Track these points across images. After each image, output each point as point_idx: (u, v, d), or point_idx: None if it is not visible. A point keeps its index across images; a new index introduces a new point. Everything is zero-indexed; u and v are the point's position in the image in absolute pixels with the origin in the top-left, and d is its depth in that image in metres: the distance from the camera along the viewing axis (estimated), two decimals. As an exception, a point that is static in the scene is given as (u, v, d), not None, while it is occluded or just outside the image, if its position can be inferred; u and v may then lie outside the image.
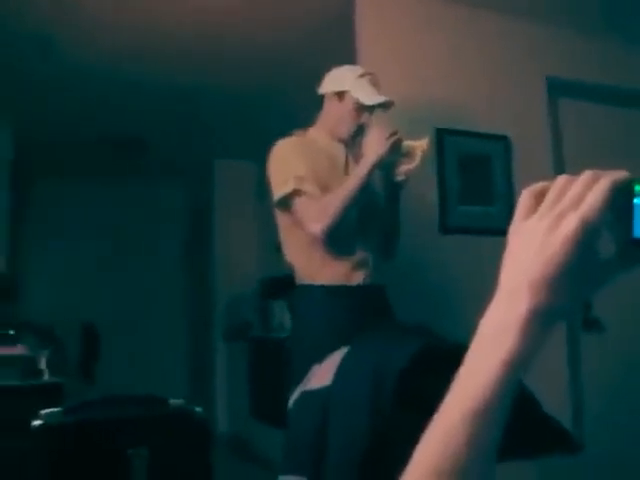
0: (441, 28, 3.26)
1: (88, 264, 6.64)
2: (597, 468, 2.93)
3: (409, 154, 2.13)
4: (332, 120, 2.28)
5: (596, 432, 3.14)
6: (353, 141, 2.29)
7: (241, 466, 4.86)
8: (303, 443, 1.72)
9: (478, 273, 2.70)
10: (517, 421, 0.62)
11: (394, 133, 2.08)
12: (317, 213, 2.05)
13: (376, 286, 2.22)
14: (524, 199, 0.55)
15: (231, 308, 5.99)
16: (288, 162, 2.15)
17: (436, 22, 3.26)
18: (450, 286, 3.00)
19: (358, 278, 2.16)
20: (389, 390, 1.47)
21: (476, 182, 3.21)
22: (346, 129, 2.25)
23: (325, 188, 2.11)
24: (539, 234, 0.51)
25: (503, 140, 3.28)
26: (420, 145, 2.11)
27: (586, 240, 0.49)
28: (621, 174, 0.51)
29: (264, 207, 4.47)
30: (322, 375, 1.75)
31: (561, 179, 0.53)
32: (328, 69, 2.32)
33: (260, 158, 2.38)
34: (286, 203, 2.15)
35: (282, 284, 3.52)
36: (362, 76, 2.23)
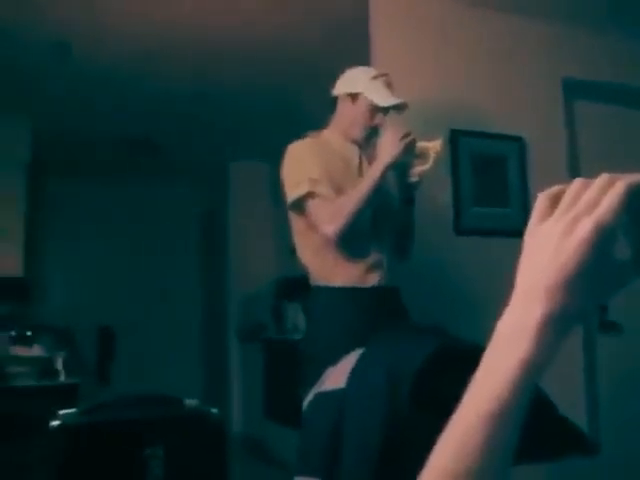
0: (456, 29, 3.25)
1: (104, 265, 6.69)
2: (612, 471, 2.91)
3: (423, 155, 2.12)
4: (346, 122, 2.27)
5: (612, 434, 3.11)
6: (367, 142, 2.28)
7: (256, 467, 4.87)
8: (317, 445, 1.72)
9: (493, 274, 2.69)
10: (533, 423, 0.62)
11: (407, 134, 2.07)
12: (331, 215, 2.05)
13: (391, 287, 2.21)
14: (540, 203, 0.55)
15: (246, 309, 6.00)
16: (302, 164, 2.15)
17: (450, 23, 3.25)
18: (465, 287, 2.99)
19: (373, 280, 2.16)
20: (405, 391, 1.47)
21: (491, 183, 3.19)
22: (360, 131, 2.25)
23: (339, 190, 2.11)
24: (554, 238, 0.51)
25: (518, 141, 3.26)
26: (434, 146, 2.11)
27: (601, 244, 0.49)
28: (637, 177, 0.51)
29: (279, 208, 4.48)
30: (336, 377, 1.75)
31: (577, 183, 0.53)
32: (342, 71, 2.32)
33: (274, 159, 2.39)
34: (300, 205, 2.15)
35: (297, 286, 3.53)
36: (376, 78, 2.23)
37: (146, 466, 1.49)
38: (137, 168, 6.46)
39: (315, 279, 2.21)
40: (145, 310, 6.69)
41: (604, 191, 0.51)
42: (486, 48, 3.30)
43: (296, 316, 4.78)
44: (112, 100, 4.60)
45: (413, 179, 2.17)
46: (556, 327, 0.51)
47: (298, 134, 2.27)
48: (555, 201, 0.54)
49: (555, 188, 0.55)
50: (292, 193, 2.14)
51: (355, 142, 2.28)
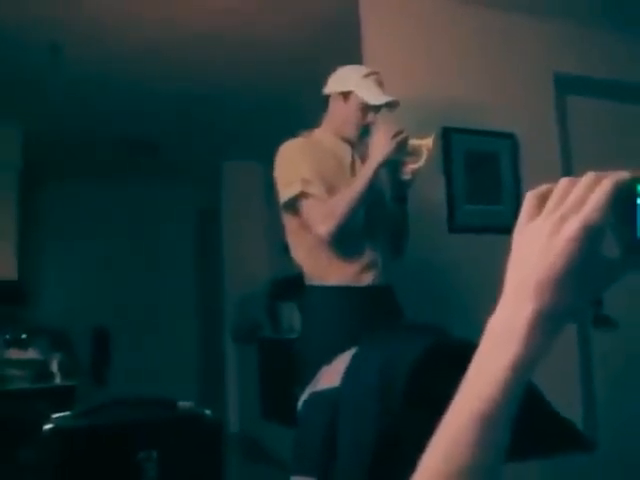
0: (447, 26, 3.25)
1: (98, 267, 6.67)
2: (609, 467, 2.92)
3: (415, 153, 2.12)
4: (338, 121, 2.27)
5: (608, 431, 3.12)
6: (359, 141, 2.28)
7: (253, 467, 4.87)
8: (312, 444, 1.72)
9: (486, 271, 2.68)
10: (527, 420, 0.62)
11: (399, 132, 2.07)
12: (324, 215, 2.05)
13: (385, 286, 2.22)
14: (527, 202, 0.56)
15: (241, 309, 6.00)
16: (294, 164, 2.15)
17: (442, 20, 3.25)
18: (458, 285, 2.99)
19: (367, 279, 2.16)
20: (398, 389, 1.47)
21: (483, 180, 3.20)
22: (352, 129, 2.25)
23: (331, 189, 2.11)
24: (542, 237, 0.51)
25: (510, 138, 3.26)
26: (426, 143, 2.11)
27: (589, 242, 0.50)
28: (623, 175, 0.51)
29: (272, 208, 4.48)
30: (331, 376, 1.75)
31: (563, 181, 0.54)
32: (334, 69, 2.31)
33: (267, 159, 2.39)
34: (293, 205, 2.15)
35: (292, 285, 3.53)
36: (367, 76, 2.22)
37: (140, 469, 1.49)
38: (132, 169, 6.45)
39: (309, 278, 2.21)
40: (141, 311, 6.68)
41: (591, 189, 0.51)
42: (477, 45, 3.30)
43: (291, 315, 4.78)
44: (107, 101, 4.59)
45: (406, 177, 2.17)
46: (546, 326, 0.51)
47: (292, 134, 2.27)
48: (543, 200, 0.55)
49: (543, 187, 0.56)
50: (285, 193, 2.14)
51: (347, 141, 2.28)
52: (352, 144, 2.28)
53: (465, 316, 2.57)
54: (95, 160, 6.08)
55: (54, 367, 3.71)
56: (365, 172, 2.07)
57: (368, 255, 2.18)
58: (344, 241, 2.11)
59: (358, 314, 2.10)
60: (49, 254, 6.50)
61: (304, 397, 1.87)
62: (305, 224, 2.14)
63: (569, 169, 3.40)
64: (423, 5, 3.22)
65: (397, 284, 2.27)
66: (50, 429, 1.45)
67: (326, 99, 2.31)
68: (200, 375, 7.05)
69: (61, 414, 1.52)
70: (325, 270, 2.15)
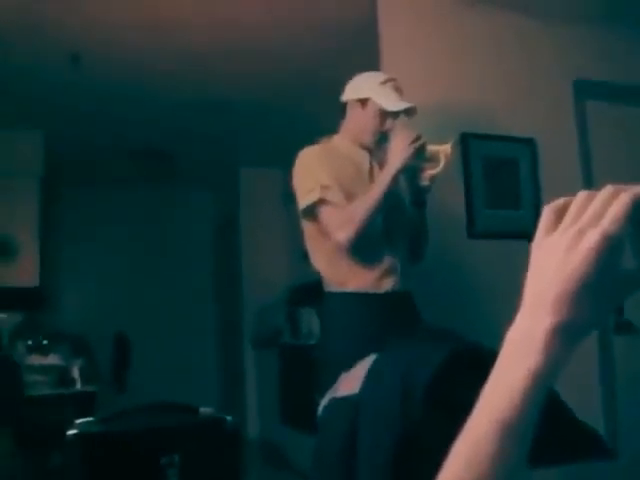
0: (465, 32, 3.25)
1: (119, 274, 6.72)
2: (630, 475, 2.88)
3: (433, 159, 2.12)
4: (356, 127, 2.27)
5: (629, 438, 3.08)
6: (378, 148, 2.28)
7: (271, 472, 4.87)
8: (332, 449, 1.72)
9: (506, 277, 2.68)
10: (548, 428, 0.62)
11: (417, 138, 2.07)
12: (342, 222, 2.05)
13: (404, 292, 2.21)
14: (545, 215, 0.56)
15: (260, 316, 6.01)
16: (313, 170, 2.15)
17: (460, 26, 3.25)
18: (478, 290, 2.98)
19: (387, 285, 2.15)
20: (419, 396, 1.47)
21: (503, 186, 3.19)
22: (370, 136, 2.25)
23: (350, 195, 2.11)
24: (561, 250, 0.52)
25: (530, 143, 3.25)
26: (444, 149, 2.10)
27: (607, 255, 0.50)
28: None
29: (291, 214, 4.49)
30: (351, 382, 1.75)
31: (581, 195, 0.54)
32: (353, 76, 2.32)
33: (285, 165, 2.39)
34: (312, 212, 2.15)
35: (311, 291, 3.54)
36: (384, 82, 2.23)
37: (163, 474, 1.50)
38: (150, 176, 6.50)
39: (328, 285, 2.21)
40: (161, 318, 6.71)
41: (609, 203, 0.51)
42: (496, 50, 3.29)
43: (310, 321, 4.79)
44: (125, 110, 4.64)
45: (424, 183, 2.17)
46: (564, 338, 0.51)
47: (309, 140, 2.28)
48: (561, 213, 0.55)
49: (560, 200, 0.56)
50: (303, 200, 2.14)
51: (365, 147, 2.28)
52: (370, 151, 2.28)
53: (484, 321, 2.56)
54: (113, 167, 6.13)
55: (75, 373, 3.74)
56: (383, 178, 2.07)
57: (387, 261, 2.17)
58: (363, 247, 2.11)
59: (377, 320, 2.10)
60: (70, 260, 6.56)
61: (324, 403, 1.88)
62: (324, 231, 2.14)
63: (589, 174, 3.38)
64: (441, 11, 3.22)
65: (416, 290, 2.26)
66: (74, 434, 1.47)
67: (344, 106, 2.32)
68: (220, 381, 7.07)
69: (84, 420, 1.53)
70: (344, 276, 2.16)
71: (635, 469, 2.89)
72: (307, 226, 2.22)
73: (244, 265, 6.30)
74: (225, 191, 6.90)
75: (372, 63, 2.82)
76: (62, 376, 3.70)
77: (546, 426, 0.56)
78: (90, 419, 1.55)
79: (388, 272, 2.16)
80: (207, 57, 3.86)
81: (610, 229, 0.50)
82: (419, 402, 1.45)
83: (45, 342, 4.01)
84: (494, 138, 3.19)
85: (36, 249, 4.92)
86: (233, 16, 3.39)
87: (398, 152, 2.06)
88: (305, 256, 2.30)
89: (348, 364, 1.90)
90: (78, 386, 3.66)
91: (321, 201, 2.10)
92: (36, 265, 4.90)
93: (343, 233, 2.05)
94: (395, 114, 2.22)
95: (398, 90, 2.24)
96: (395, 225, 2.22)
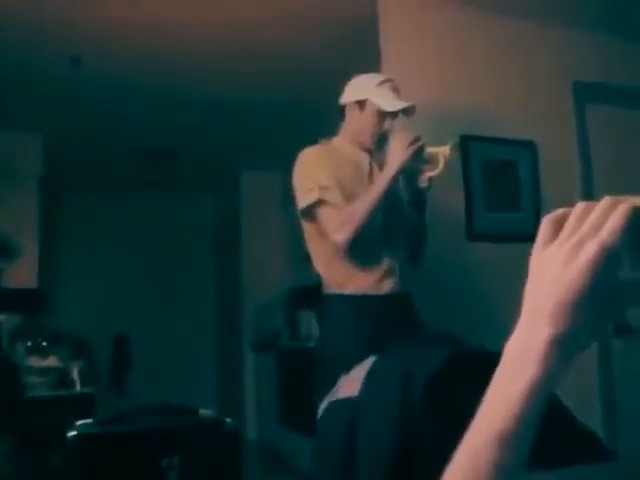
0: (466, 34, 3.26)
1: (119, 275, 6.73)
2: (630, 477, 2.88)
3: (432, 160, 2.13)
4: (355, 129, 2.28)
5: (629, 440, 3.08)
6: (377, 149, 2.28)
7: (271, 475, 4.87)
8: (331, 452, 1.72)
9: (505, 279, 2.68)
10: (547, 430, 0.62)
11: (416, 140, 2.08)
12: (340, 223, 2.06)
13: (404, 294, 2.21)
14: (543, 227, 0.56)
15: (259, 318, 6.01)
16: (312, 171, 2.16)
17: (461, 28, 3.25)
18: (477, 292, 2.98)
19: (386, 287, 2.16)
20: (418, 398, 1.47)
21: (502, 188, 3.19)
22: (369, 137, 2.26)
23: (350, 196, 2.11)
24: (559, 261, 0.52)
25: (529, 145, 3.26)
26: (442, 151, 2.11)
27: (605, 266, 0.50)
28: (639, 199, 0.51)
29: (291, 217, 4.49)
30: (350, 385, 1.75)
31: (579, 206, 0.54)
32: (350, 79, 2.33)
33: (286, 169, 2.40)
34: (311, 213, 2.15)
35: (310, 293, 3.54)
36: (382, 83, 2.23)
37: (163, 476, 1.50)
38: (150, 178, 6.50)
39: (328, 287, 2.21)
40: (160, 319, 6.72)
41: (607, 214, 0.51)
42: (496, 53, 3.30)
43: (310, 324, 4.79)
44: (126, 111, 4.63)
45: (423, 184, 2.17)
46: (562, 349, 0.52)
47: (310, 143, 2.28)
48: (559, 225, 0.55)
49: (559, 211, 0.56)
50: (302, 201, 2.15)
51: (365, 149, 2.28)
52: (370, 152, 2.29)
53: (484, 324, 2.56)
54: (115, 169, 6.13)
55: (74, 374, 3.73)
56: (382, 180, 2.08)
57: (386, 263, 2.18)
58: (362, 249, 2.11)
59: (376, 322, 2.10)
60: (69, 262, 6.56)
61: (324, 405, 1.88)
62: (323, 231, 2.15)
63: (588, 176, 3.38)
64: (442, 14, 3.22)
65: (416, 292, 2.27)
66: (74, 436, 1.47)
67: (342, 108, 2.32)
68: (219, 383, 7.07)
69: (84, 421, 1.54)
70: (343, 278, 2.16)
71: (634, 471, 2.89)
72: (307, 227, 2.22)
73: (244, 267, 6.30)
74: (226, 194, 6.90)
75: (373, 66, 2.82)
76: (61, 378, 3.69)
77: (545, 428, 0.56)
78: (90, 421, 1.55)
79: (387, 274, 2.16)
80: (209, 60, 3.86)
81: (608, 241, 0.50)
82: (419, 404, 1.45)
83: (44, 344, 4.01)
84: (494, 140, 3.19)
85: (35, 250, 4.92)
86: (236, 19, 3.39)
87: (397, 153, 2.07)
88: (308, 259, 2.30)
89: (347, 366, 1.90)
90: (78, 388, 3.65)
91: (320, 202, 2.10)
92: (35, 266, 4.89)
93: (341, 234, 2.05)
94: (393, 114, 2.23)
95: (396, 90, 2.25)
96: (394, 227, 2.22)
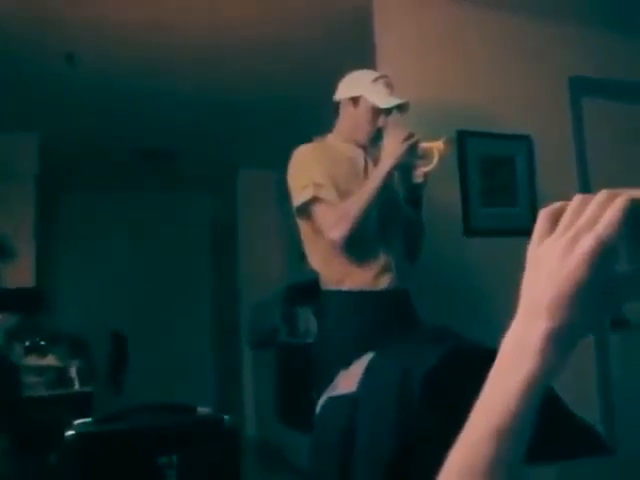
0: (462, 30, 3.25)
1: (115, 274, 6.72)
2: (628, 471, 2.89)
3: (426, 156, 2.12)
4: (349, 126, 2.28)
5: (628, 434, 3.09)
6: (372, 145, 2.28)
7: (268, 471, 4.87)
8: (330, 447, 1.72)
9: (502, 274, 2.68)
10: (544, 424, 0.62)
11: (410, 135, 2.07)
12: (335, 220, 2.05)
13: (401, 290, 2.21)
14: (540, 220, 0.56)
15: (257, 315, 6.01)
16: (307, 169, 2.16)
17: (456, 24, 3.25)
18: (474, 287, 2.98)
19: (383, 283, 2.16)
20: (416, 393, 1.47)
21: (499, 183, 3.19)
22: (363, 134, 2.25)
23: (345, 193, 2.11)
24: (556, 255, 0.52)
25: (525, 140, 3.26)
26: (437, 146, 2.11)
27: (602, 260, 0.50)
28: (637, 192, 0.51)
29: (289, 214, 4.49)
30: (348, 381, 1.75)
31: (576, 199, 0.54)
32: (344, 75, 2.32)
33: (283, 167, 2.39)
34: (306, 210, 2.15)
35: (308, 290, 3.54)
36: (376, 80, 2.23)
37: (161, 474, 1.50)
38: (148, 177, 6.48)
39: (325, 283, 2.21)
40: (158, 318, 6.72)
41: (604, 207, 0.51)
42: (492, 48, 3.30)
43: (308, 320, 4.79)
44: (122, 110, 4.62)
45: (418, 180, 2.17)
46: (559, 343, 0.51)
47: (306, 141, 2.28)
48: (556, 218, 0.55)
49: (556, 205, 0.56)
50: (298, 198, 2.15)
51: (360, 145, 2.28)
52: (365, 148, 2.29)
53: (481, 319, 2.56)
54: (111, 168, 6.12)
55: (72, 373, 3.73)
56: (376, 176, 2.08)
57: (383, 259, 2.18)
58: (358, 245, 2.11)
59: (374, 318, 2.10)
60: (66, 261, 6.56)
61: (321, 402, 1.88)
62: (318, 229, 2.14)
63: (584, 171, 3.38)
64: (437, 8, 3.22)
65: (413, 288, 2.27)
66: (72, 435, 1.47)
67: (337, 105, 2.32)
68: (217, 380, 7.08)
69: (82, 420, 1.53)
70: (340, 275, 2.16)
71: (632, 465, 2.89)
72: (302, 225, 2.22)
73: (241, 265, 6.30)
74: (223, 192, 6.90)
75: (368, 62, 2.81)
76: (59, 377, 3.69)
77: (543, 423, 0.56)
78: (88, 420, 1.55)
79: (384, 270, 2.16)
80: (207, 58, 3.85)
81: (605, 234, 0.50)
82: (417, 399, 1.45)
83: (42, 343, 4.00)
84: (490, 135, 3.20)
85: (33, 249, 4.91)
86: (233, 17, 3.38)
87: (391, 149, 2.07)
88: (303, 257, 2.30)
89: (346, 362, 1.90)
90: (76, 387, 3.65)
91: (315, 199, 2.10)
92: (33, 266, 4.89)
93: (336, 231, 2.05)
94: (388, 111, 2.23)
95: (390, 87, 2.25)
96: (390, 223, 2.22)
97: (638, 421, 3.15)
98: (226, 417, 1.72)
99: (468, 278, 2.99)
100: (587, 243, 0.50)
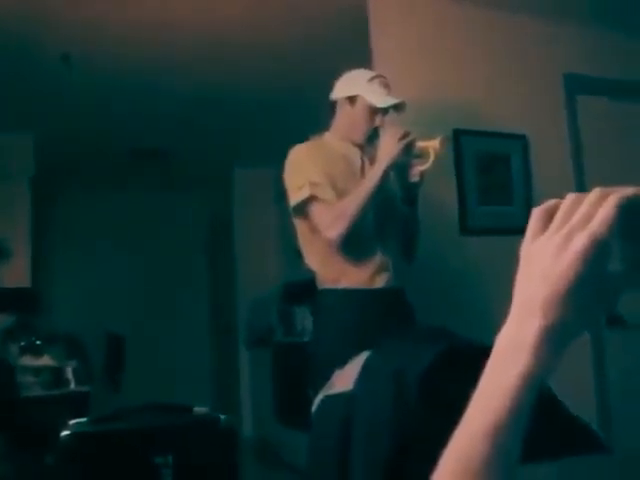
0: (457, 28, 3.26)
1: (111, 274, 6.71)
2: (625, 469, 2.89)
3: (422, 154, 2.13)
4: (345, 125, 2.28)
5: (624, 431, 3.10)
6: (369, 144, 2.28)
7: (266, 470, 4.87)
8: (326, 446, 1.72)
9: (498, 273, 2.68)
10: (541, 422, 0.62)
11: (406, 134, 2.08)
12: (332, 219, 2.06)
13: (397, 289, 2.21)
14: (534, 218, 0.56)
15: (253, 314, 6.01)
16: (303, 168, 2.16)
17: (452, 22, 3.25)
18: (470, 286, 2.98)
19: (379, 281, 2.16)
20: (413, 392, 1.47)
21: (495, 181, 3.20)
22: (360, 133, 2.25)
23: (342, 192, 2.11)
24: (549, 253, 0.52)
25: (521, 139, 3.26)
26: (433, 145, 2.11)
27: (595, 257, 0.50)
28: (629, 190, 0.51)
29: (285, 213, 4.49)
30: (344, 379, 1.75)
31: (569, 198, 0.54)
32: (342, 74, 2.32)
33: (279, 165, 2.39)
34: (302, 209, 2.15)
35: (304, 289, 3.54)
36: (372, 79, 2.23)
37: (157, 474, 1.50)
38: (144, 176, 6.48)
39: (322, 282, 2.21)
40: (154, 317, 6.71)
41: (597, 205, 0.51)
42: (487, 46, 3.30)
43: (304, 319, 4.79)
44: (118, 109, 4.62)
45: (414, 179, 2.17)
46: (553, 340, 0.51)
47: (303, 139, 2.28)
48: (549, 216, 0.55)
49: (550, 202, 0.56)
50: (294, 197, 2.14)
51: (356, 144, 2.28)
52: (361, 147, 2.29)
53: (477, 318, 2.57)
54: (106, 167, 6.11)
55: (69, 373, 3.72)
56: (373, 175, 2.08)
57: (379, 258, 2.18)
58: (355, 244, 2.11)
59: (370, 317, 2.10)
60: (62, 261, 6.55)
61: (318, 400, 1.88)
62: (315, 228, 2.14)
63: (580, 168, 3.39)
64: (432, 7, 3.22)
65: (409, 286, 2.27)
66: (68, 435, 1.47)
67: (333, 104, 2.32)
68: (214, 379, 7.07)
69: (78, 420, 1.53)
70: (337, 273, 2.16)
71: (629, 463, 2.90)
72: (299, 224, 2.22)
73: (238, 264, 6.30)
74: (219, 191, 6.89)
75: (365, 61, 2.81)
76: (56, 377, 3.68)
77: (539, 421, 0.56)
78: (84, 420, 1.54)
79: (381, 268, 2.17)
80: (203, 56, 3.85)
81: (598, 232, 0.50)
82: (413, 398, 1.45)
83: (38, 343, 3.99)
84: (486, 134, 3.20)
85: (28, 250, 4.91)
86: (227, 14, 3.37)
87: (387, 148, 2.07)
88: (299, 255, 2.30)
89: (342, 361, 1.90)
90: (72, 387, 3.64)
91: (311, 198, 2.10)
92: (28, 266, 4.88)
93: (333, 230, 2.05)
94: (384, 110, 2.23)
95: (386, 86, 2.25)
96: (387, 222, 2.22)
97: (635, 420, 3.16)
98: (222, 417, 1.71)
99: (464, 276, 2.99)
100: (580, 241, 0.50)
